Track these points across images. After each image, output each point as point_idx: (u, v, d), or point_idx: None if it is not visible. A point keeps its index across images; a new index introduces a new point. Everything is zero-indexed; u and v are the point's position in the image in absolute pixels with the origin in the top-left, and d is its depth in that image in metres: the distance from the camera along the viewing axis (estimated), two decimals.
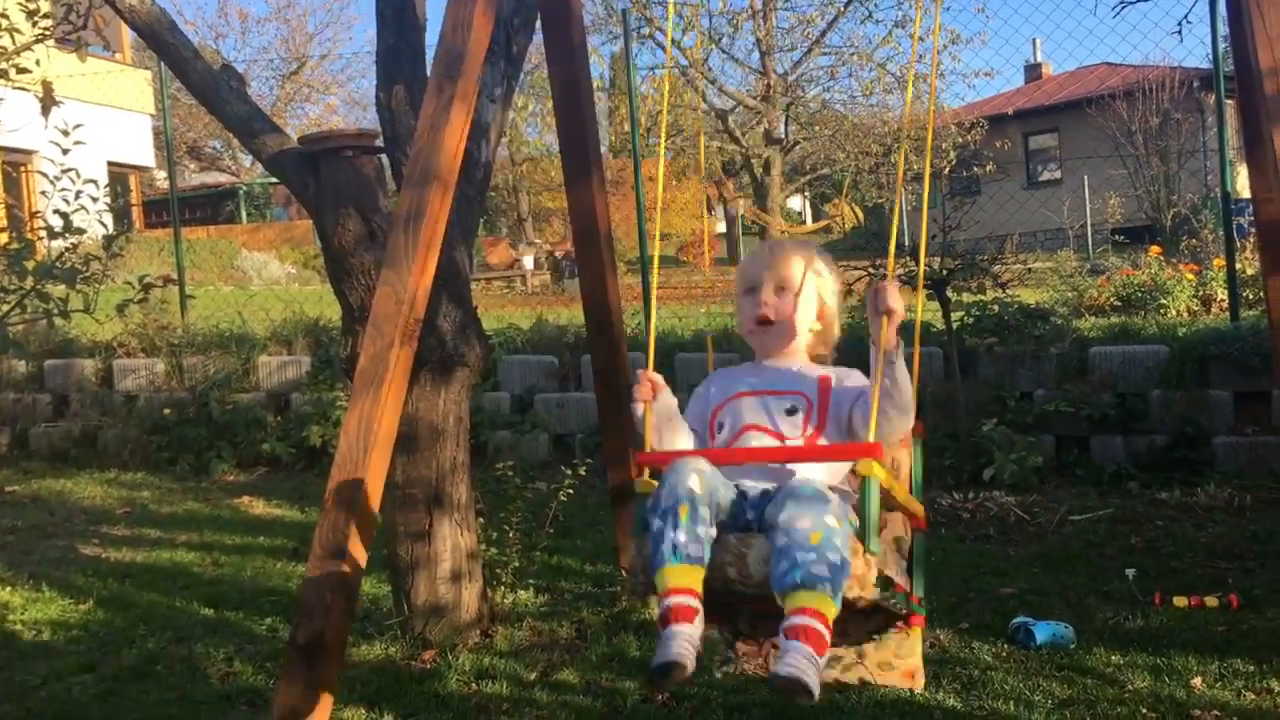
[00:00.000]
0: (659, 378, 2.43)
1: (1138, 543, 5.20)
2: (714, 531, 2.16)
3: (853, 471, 2.30)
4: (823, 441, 2.39)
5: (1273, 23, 2.81)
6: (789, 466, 2.31)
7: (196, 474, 8.04)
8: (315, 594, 2.91)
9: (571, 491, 4.99)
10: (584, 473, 5.12)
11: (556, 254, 22.52)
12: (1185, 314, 8.17)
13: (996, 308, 6.92)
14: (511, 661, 4.02)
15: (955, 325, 6.78)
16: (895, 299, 2.20)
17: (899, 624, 2.44)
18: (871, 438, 2.22)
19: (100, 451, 8.67)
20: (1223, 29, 6.95)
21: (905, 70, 20.29)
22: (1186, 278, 8.70)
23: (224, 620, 4.67)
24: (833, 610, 2.05)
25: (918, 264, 2.76)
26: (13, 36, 6.37)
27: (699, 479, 2.16)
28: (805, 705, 2.41)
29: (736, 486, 2.28)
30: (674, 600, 2.09)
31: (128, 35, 21.88)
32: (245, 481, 7.81)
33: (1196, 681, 3.54)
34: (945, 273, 6.52)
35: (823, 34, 20.62)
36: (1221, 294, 8.08)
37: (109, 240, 6.47)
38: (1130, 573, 4.61)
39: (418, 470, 4.16)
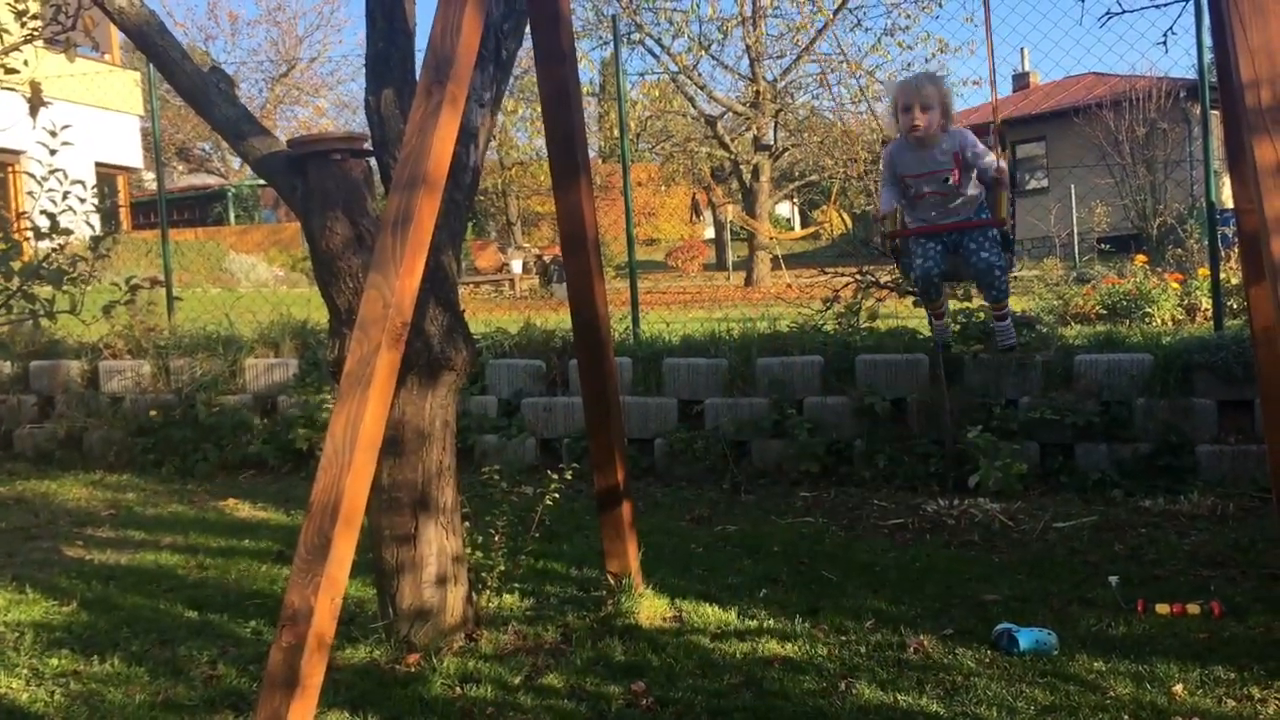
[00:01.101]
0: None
1: (1121, 550, 5.23)
2: (942, 286, 4.82)
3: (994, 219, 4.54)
4: (963, 182, 4.46)
5: (1254, 34, 2.84)
6: (955, 199, 4.52)
7: (182, 476, 8.02)
8: (300, 597, 2.90)
9: (558, 496, 5.00)
10: (570, 477, 5.14)
11: (545, 258, 22.55)
12: (1170, 323, 8.22)
13: (982, 315, 6.95)
14: (496, 665, 4.02)
15: None
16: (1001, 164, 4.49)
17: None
18: (996, 215, 4.52)
19: (85, 453, 8.64)
20: (1208, 40, 6.99)
21: (894, 78, 20.35)
22: (1171, 287, 8.76)
23: (208, 623, 4.66)
24: (1007, 302, 4.73)
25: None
26: (1, 37, 6.36)
27: (937, 277, 4.55)
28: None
29: (937, 239, 4.52)
30: (936, 311, 5.02)
31: (117, 36, 21.84)
32: (231, 484, 7.79)
33: (1178, 688, 3.56)
34: None
35: (812, 41, 20.67)
36: (1206, 303, 8.13)
37: (96, 241, 6.48)
38: (1113, 580, 4.64)
39: (404, 473, 4.16)
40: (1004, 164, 4.48)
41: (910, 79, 4.56)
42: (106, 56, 22.20)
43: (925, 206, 4.56)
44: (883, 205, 4.58)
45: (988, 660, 3.90)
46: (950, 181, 4.44)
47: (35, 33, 6.35)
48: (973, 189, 4.52)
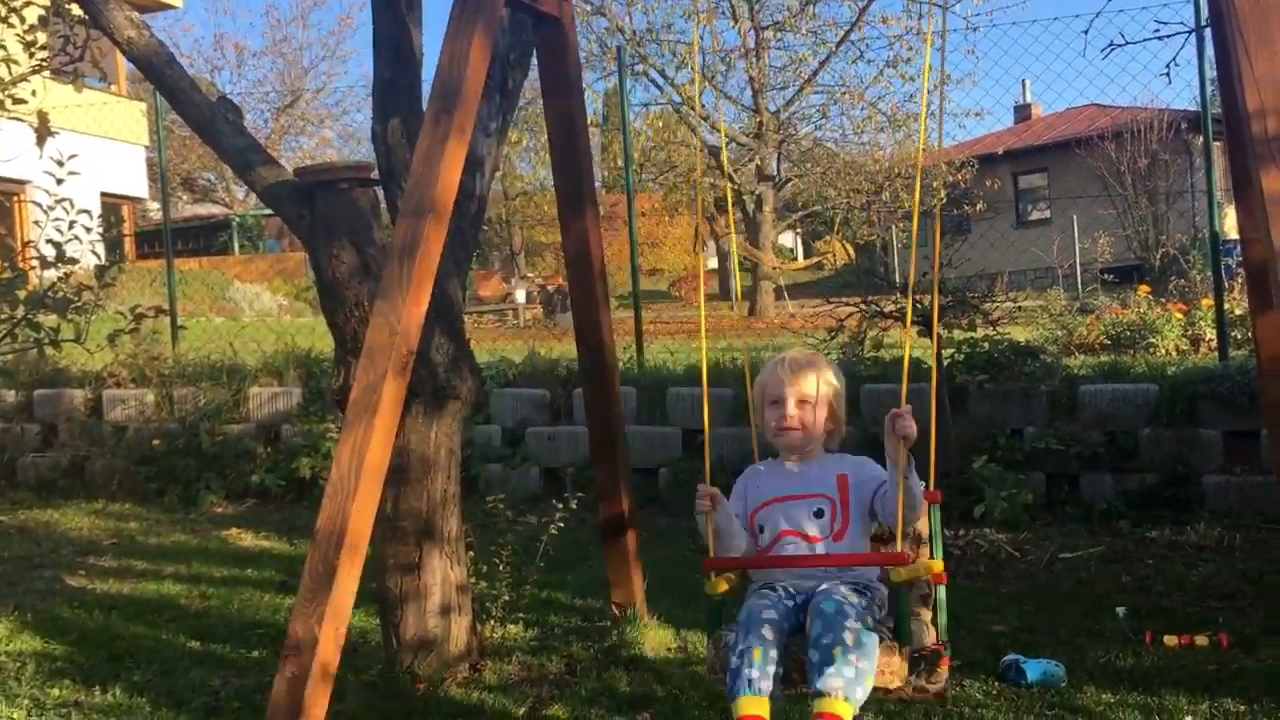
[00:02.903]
0: (716, 490, 2.88)
1: (1128, 581, 5.20)
2: (778, 664, 2.67)
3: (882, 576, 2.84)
4: (850, 531, 2.92)
5: (1260, 66, 2.86)
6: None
7: (185, 505, 8.00)
8: (304, 626, 2.89)
9: (562, 525, 4.98)
10: (575, 506, 5.12)
11: (548, 288, 22.61)
12: (1174, 353, 8.22)
13: (987, 345, 6.95)
14: (500, 696, 3.99)
15: (946, 362, 6.80)
16: (911, 426, 2.75)
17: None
18: (899, 546, 2.79)
19: (88, 482, 8.63)
20: (1210, 72, 7.03)
21: (896, 109, 20.46)
22: (1175, 317, 8.76)
23: (211, 653, 4.63)
24: (848, 710, 2.56)
25: (907, 299, 3.17)
26: (9, 67, 6.40)
27: (770, 627, 2.69)
28: None
29: (784, 588, 2.83)
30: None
31: (124, 66, 21.99)
32: (234, 513, 7.77)
33: None
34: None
35: (815, 73, 20.76)
36: (1210, 333, 8.13)
37: (101, 270, 6.49)
38: (1121, 611, 4.61)
39: (408, 502, 4.15)
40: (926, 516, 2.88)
41: (783, 362, 3.06)
42: (113, 87, 22.34)
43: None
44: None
45: (995, 692, 3.87)
46: (824, 516, 2.91)
47: (43, 63, 6.40)
48: (861, 541, 2.93)
